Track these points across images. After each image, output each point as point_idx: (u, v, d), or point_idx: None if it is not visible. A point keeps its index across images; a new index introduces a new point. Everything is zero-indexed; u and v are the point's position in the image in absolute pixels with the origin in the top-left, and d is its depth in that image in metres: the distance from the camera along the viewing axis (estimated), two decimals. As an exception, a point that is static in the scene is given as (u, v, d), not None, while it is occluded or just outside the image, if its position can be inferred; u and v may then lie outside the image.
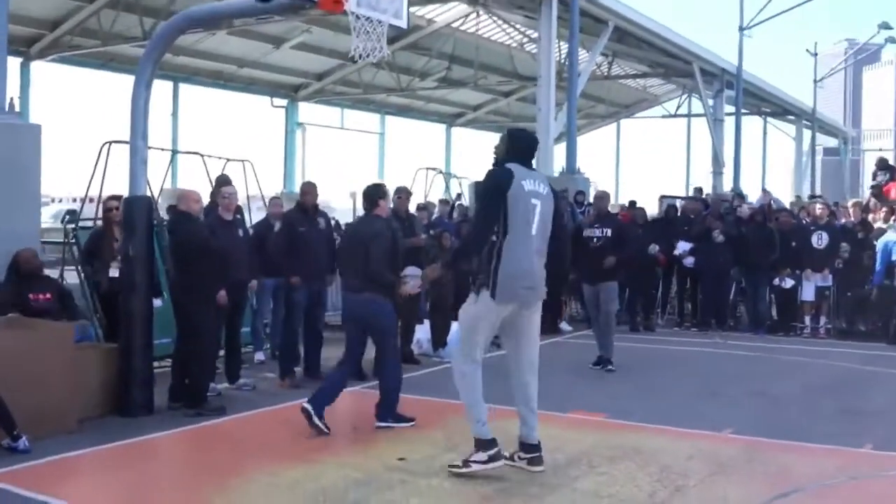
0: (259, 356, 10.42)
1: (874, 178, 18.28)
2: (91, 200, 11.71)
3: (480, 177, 6.36)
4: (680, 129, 41.58)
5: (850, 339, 12.84)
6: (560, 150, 19.60)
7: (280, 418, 7.89)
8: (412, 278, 8.22)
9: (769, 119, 39.20)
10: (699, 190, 21.87)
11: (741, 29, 28.76)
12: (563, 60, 21.93)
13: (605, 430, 7.43)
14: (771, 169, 46.74)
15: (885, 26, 35.30)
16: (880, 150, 67.83)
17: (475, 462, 5.93)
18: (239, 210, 9.32)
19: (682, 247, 13.69)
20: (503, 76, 30.24)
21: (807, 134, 41.19)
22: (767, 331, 13.35)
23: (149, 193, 8.27)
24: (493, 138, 33.09)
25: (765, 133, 40.51)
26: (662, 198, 19.57)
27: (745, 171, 29.50)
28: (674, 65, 26.40)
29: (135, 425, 7.31)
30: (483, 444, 5.95)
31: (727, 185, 27.36)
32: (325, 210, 10.32)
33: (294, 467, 6.13)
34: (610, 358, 10.30)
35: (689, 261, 13.69)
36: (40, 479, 5.90)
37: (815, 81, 35.13)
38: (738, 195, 16.11)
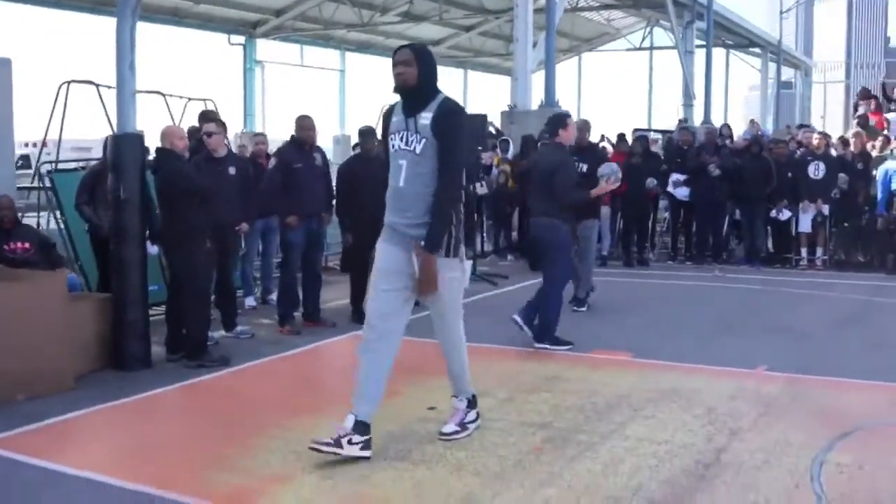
0: (250, 301, 9.91)
1: (856, 110, 18.09)
2: (45, 145, 11.10)
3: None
4: (641, 63, 41.27)
5: (847, 271, 12.62)
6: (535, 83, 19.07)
7: (289, 367, 7.45)
8: (609, 175, 8.20)
9: (732, 51, 38.81)
10: (684, 121, 21.47)
11: (711, -43, 28.10)
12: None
13: (635, 370, 7.07)
14: (731, 101, 46.76)
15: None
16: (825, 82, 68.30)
17: (471, 423, 5.45)
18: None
19: (675, 178, 13.31)
20: (468, 10, 29.51)
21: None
22: (763, 263, 13.09)
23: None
24: (455, 74, 32.32)
25: (727, 65, 40.17)
26: (636, 131, 19.18)
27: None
28: (644, -5, 25.85)
29: (134, 380, 6.79)
30: (474, 401, 5.54)
31: (698, 118, 26.99)
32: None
33: (318, 421, 5.63)
34: (580, 297, 9.65)
35: (683, 192, 13.34)
36: (43, 445, 5.35)
37: (781, 13, 34.77)
38: (727, 126, 15.72)
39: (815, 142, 13.19)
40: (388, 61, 4.80)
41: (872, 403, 6.15)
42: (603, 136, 19.00)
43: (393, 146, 4.96)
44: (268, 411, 6.03)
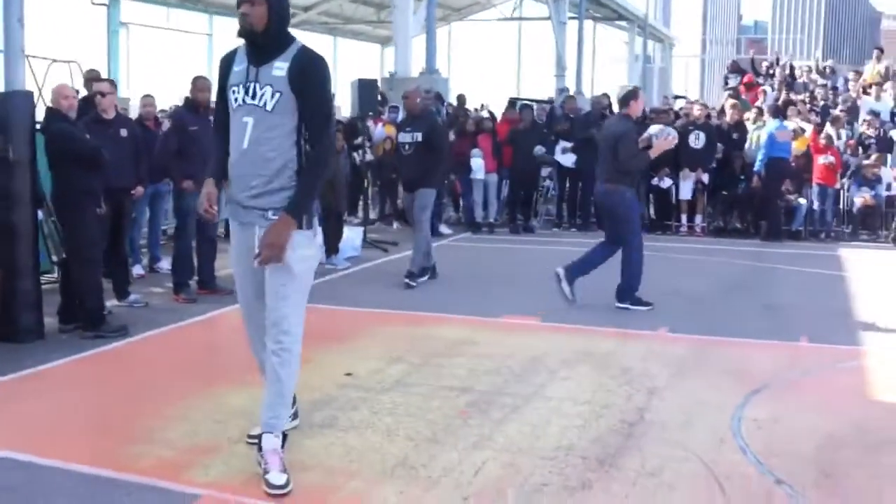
0: (137, 270, 9.52)
1: (726, 82, 18.73)
2: None
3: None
4: (510, 34, 41.49)
5: (724, 237, 13.10)
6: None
7: (191, 336, 7.22)
8: (660, 135, 8.19)
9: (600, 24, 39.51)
10: (564, 90, 21.81)
11: (583, -70, 28.51)
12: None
13: (545, 334, 7.15)
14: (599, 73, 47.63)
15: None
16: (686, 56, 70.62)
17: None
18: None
19: (564, 146, 13.52)
20: (340, -25, 29.14)
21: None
22: (645, 230, 13.38)
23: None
24: (325, 41, 32.19)
25: (594, 38, 40.87)
26: (514, 101, 19.36)
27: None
28: (518, -35, 25.98)
29: (28, 352, 6.41)
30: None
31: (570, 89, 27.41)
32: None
33: (234, 391, 5.48)
34: (414, 272, 9.20)
35: (570, 159, 13.54)
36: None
37: (649, -13, 35.64)
38: (605, 96, 16.01)
39: (695, 112, 13.57)
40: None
41: (774, 361, 6.37)
42: (482, 106, 19.14)
43: (235, 100, 4.08)
44: (178, 381, 5.82)
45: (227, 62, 4.23)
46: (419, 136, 9.06)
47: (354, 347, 6.66)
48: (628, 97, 8.28)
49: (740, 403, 5.32)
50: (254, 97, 4.03)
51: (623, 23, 39.17)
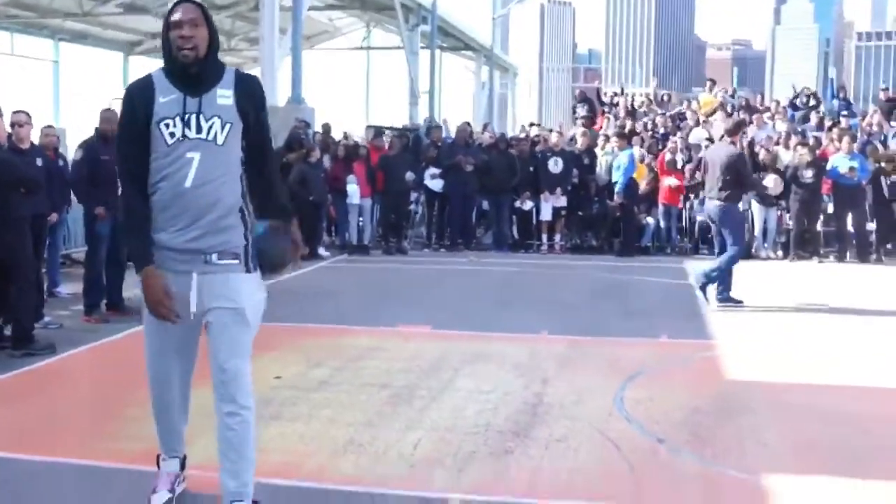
0: (39, 294, 9.85)
1: (575, 112, 20.16)
2: None
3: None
4: (358, 62, 42.32)
5: (582, 254, 14.33)
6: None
7: (118, 352, 7.69)
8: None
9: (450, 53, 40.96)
10: (430, 119, 22.83)
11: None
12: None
13: (440, 340, 7.98)
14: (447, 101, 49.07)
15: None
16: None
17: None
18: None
19: (432, 171, 14.49)
20: (193, 3, 29.35)
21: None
22: (510, 248, 14.53)
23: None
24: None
25: (441, 67, 42.26)
26: (379, 129, 20.27)
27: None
28: (372, -3, 26.99)
29: (-41, 369, 6.82)
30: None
31: (421, 117, 28.48)
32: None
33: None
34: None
35: (438, 184, 14.52)
36: None
37: (494, 18, 37.26)
38: (467, 124, 17.10)
39: (553, 139, 14.81)
40: (107, 53, 4.38)
41: (643, 355, 7.45)
42: (346, 135, 19.91)
43: (172, 135, 3.62)
44: (124, 390, 6.23)
45: (144, 93, 3.68)
46: None
47: (276, 356, 7.30)
48: (738, 126, 10.10)
49: (620, 386, 6.32)
50: (199, 130, 3.63)
51: (470, 52, 40.76)
